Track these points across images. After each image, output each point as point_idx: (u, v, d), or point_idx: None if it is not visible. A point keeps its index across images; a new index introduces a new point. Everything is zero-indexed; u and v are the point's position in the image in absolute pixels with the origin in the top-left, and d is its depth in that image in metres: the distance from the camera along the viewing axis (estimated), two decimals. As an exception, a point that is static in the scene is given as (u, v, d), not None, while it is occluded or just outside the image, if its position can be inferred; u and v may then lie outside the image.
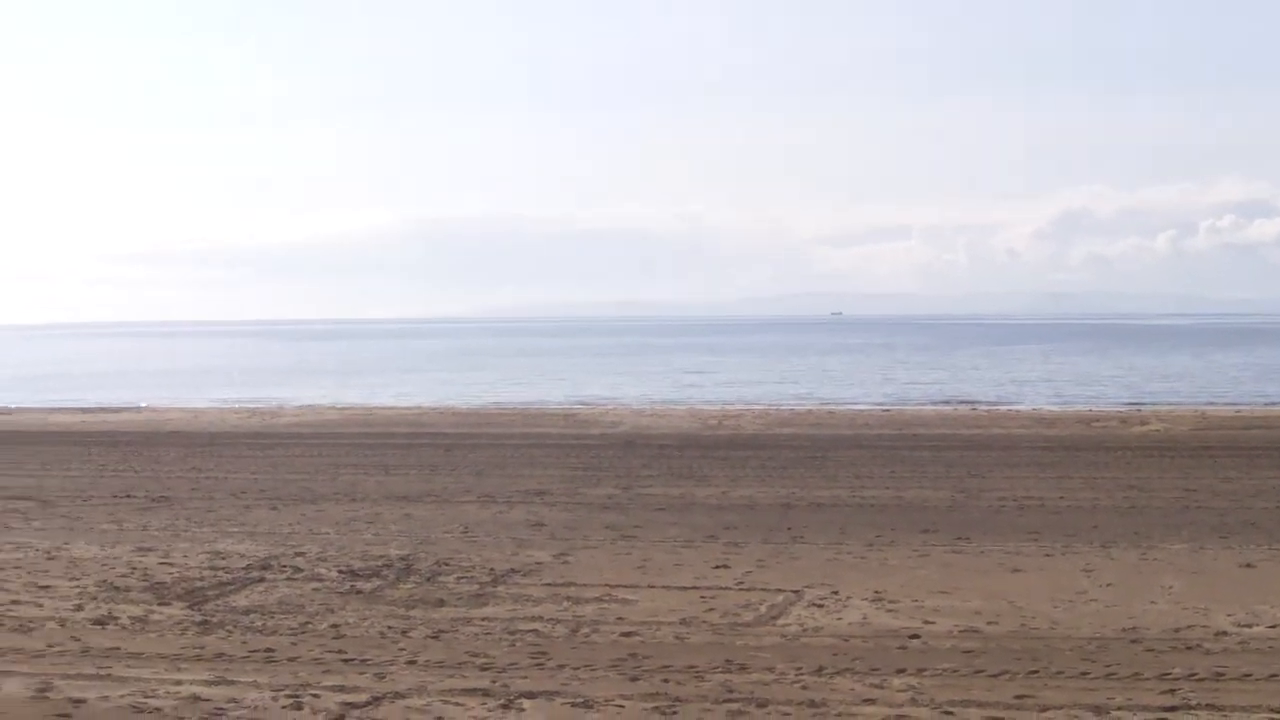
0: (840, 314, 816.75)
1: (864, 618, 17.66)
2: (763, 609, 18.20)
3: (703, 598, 18.93)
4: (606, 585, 19.87)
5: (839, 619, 17.60)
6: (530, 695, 14.00)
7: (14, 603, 18.88)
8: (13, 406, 75.09)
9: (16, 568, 21.64)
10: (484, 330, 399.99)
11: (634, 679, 14.66)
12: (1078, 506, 28.01)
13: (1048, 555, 22.29)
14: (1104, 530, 24.79)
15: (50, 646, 16.34)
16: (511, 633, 16.89)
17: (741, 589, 19.60)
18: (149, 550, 23.22)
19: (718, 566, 21.40)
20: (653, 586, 19.82)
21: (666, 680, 14.59)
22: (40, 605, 18.72)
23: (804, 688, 14.30)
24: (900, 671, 14.95)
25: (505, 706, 13.64)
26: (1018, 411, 63.69)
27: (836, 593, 19.20)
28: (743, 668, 15.12)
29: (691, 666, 15.14)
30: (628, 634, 16.80)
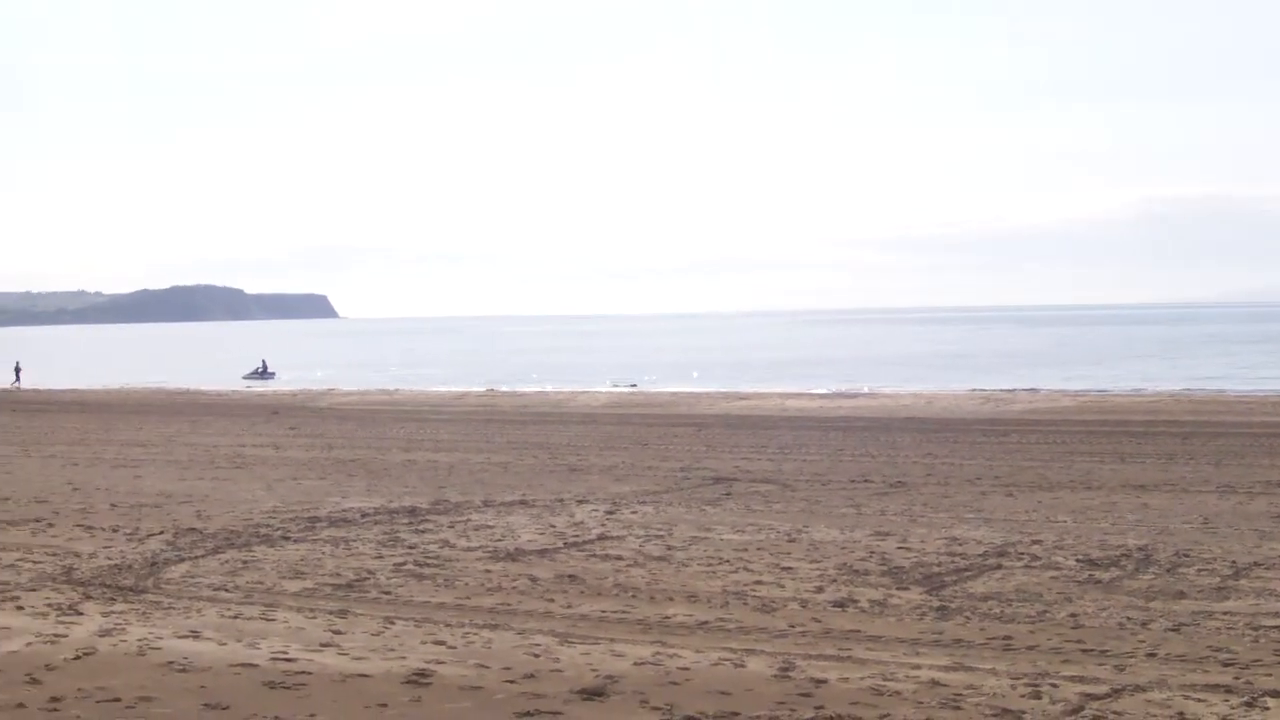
0: None
1: None
2: None
3: None
4: (1355, 582, 19.09)
5: None
6: (1275, 694, 13.53)
7: (758, 583, 19.41)
8: (750, 391, 77.43)
9: (760, 549, 22.27)
10: (1229, 315, 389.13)
11: (1387, 681, 14.03)
12: None
13: None
14: None
15: (792, 627, 16.71)
16: (1255, 628, 16.37)
17: None
18: (887, 535, 23.54)
19: None
20: (1405, 584, 18.94)
21: None
22: (782, 586, 19.18)
23: None
24: None
25: (1249, 704, 13.22)
26: None
27: None
28: None
29: None
30: (1379, 633, 16.08)
